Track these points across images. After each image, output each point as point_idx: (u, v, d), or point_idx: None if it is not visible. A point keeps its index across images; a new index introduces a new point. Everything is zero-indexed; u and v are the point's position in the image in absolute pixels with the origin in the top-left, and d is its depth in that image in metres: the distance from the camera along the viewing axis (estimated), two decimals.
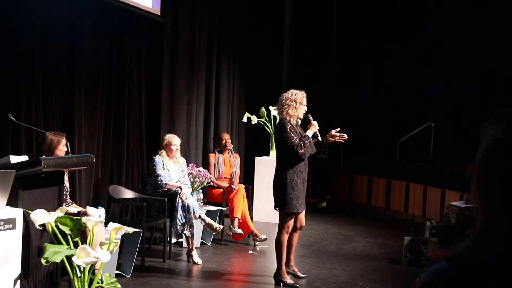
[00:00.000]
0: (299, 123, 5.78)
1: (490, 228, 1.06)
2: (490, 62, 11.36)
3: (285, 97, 5.68)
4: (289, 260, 5.96)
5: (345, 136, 5.71)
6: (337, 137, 5.75)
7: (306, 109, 5.70)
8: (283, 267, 5.73)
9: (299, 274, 6.00)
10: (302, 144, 5.44)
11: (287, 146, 5.47)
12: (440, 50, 11.92)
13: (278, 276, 5.73)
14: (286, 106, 5.63)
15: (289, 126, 5.52)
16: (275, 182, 5.68)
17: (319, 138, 5.70)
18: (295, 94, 5.66)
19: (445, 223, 7.26)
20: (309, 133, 5.60)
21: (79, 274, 4.15)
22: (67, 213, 4.39)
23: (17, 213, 3.98)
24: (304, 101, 5.66)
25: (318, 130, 5.67)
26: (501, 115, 1.11)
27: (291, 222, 5.66)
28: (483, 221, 1.08)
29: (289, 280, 5.72)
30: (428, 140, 11.61)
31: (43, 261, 3.93)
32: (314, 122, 5.65)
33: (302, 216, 5.83)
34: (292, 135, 5.46)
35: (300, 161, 5.55)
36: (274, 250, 7.27)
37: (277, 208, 5.68)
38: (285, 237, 5.68)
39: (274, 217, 9.01)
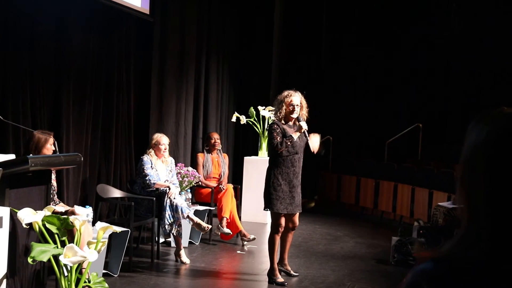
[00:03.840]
0: (291, 122, 5.81)
1: (474, 229, 1.07)
2: (478, 63, 11.43)
3: (275, 98, 5.85)
4: (282, 259, 6.05)
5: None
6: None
7: (294, 108, 5.69)
8: (274, 265, 5.82)
9: (292, 272, 6.07)
10: (282, 144, 5.54)
11: (270, 145, 5.67)
12: (428, 51, 11.96)
13: (270, 274, 5.83)
14: (274, 108, 5.86)
15: (275, 126, 5.65)
16: (265, 181, 5.78)
17: (308, 138, 5.74)
18: (281, 95, 5.79)
19: (433, 224, 7.29)
20: (295, 135, 5.63)
21: (66, 274, 4.14)
22: (54, 212, 4.37)
23: (4, 212, 3.95)
24: (289, 99, 5.70)
25: (307, 130, 5.69)
26: (483, 117, 1.12)
27: (280, 222, 5.71)
28: (467, 221, 1.09)
29: (279, 278, 5.78)
30: (416, 141, 11.66)
31: (29, 260, 3.91)
32: (302, 124, 5.67)
33: (295, 217, 5.88)
34: (275, 134, 5.60)
35: (285, 161, 5.63)
36: (262, 250, 7.31)
37: (266, 209, 5.77)
38: (275, 237, 5.76)
39: (262, 217, 9.08)
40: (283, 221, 5.71)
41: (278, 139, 5.57)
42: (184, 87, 9.21)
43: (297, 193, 5.75)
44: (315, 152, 5.84)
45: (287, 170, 5.64)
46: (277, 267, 5.92)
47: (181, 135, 9.17)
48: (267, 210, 5.75)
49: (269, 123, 8.75)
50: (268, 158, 5.87)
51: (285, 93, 5.76)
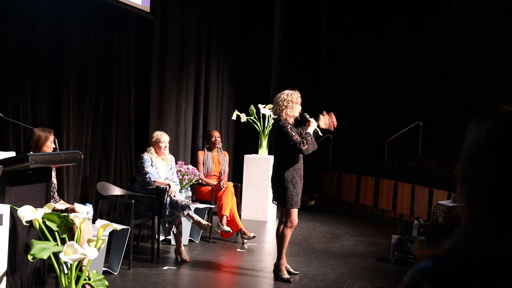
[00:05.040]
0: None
1: (475, 227, 1.07)
2: (478, 62, 11.42)
3: (282, 98, 5.77)
4: None
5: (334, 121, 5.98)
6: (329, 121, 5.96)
7: (301, 108, 5.80)
8: (282, 260, 5.84)
9: (291, 270, 6.06)
10: (305, 141, 5.58)
11: (289, 146, 5.61)
12: (428, 50, 11.96)
13: (276, 269, 5.85)
14: (283, 107, 5.74)
15: (289, 126, 5.65)
16: (276, 181, 5.78)
17: (320, 134, 5.85)
18: (291, 95, 5.76)
19: (433, 222, 7.29)
20: (310, 129, 5.74)
21: (66, 271, 4.14)
22: (54, 210, 4.37)
23: (4, 209, 3.95)
24: (300, 100, 5.78)
25: (317, 126, 5.80)
26: (484, 115, 1.12)
27: (296, 218, 5.79)
28: (468, 220, 1.09)
29: (285, 275, 5.79)
30: (416, 139, 11.66)
31: (29, 257, 3.91)
32: (312, 120, 5.78)
33: None
34: (293, 133, 5.62)
35: (298, 159, 5.70)
36: (262, 248, 7.30)
37: (275, 202, 5.85)
38: (289, 233, 5.81)
39: (262, 215, 9.09)
40: (297, 215, 5.80)
41: (298, 138, 5.60)
42: (184, 85, 9.21)
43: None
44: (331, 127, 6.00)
45: (299, 166, 5.74)
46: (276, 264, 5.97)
47: (181, 133, 9.17)
48: (285, 207, 5.74)
49: (270, 121, 8.76)
50: (278, 157, 5.83)
51: (295, 93, 5.77)
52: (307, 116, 5.84)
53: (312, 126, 5.77)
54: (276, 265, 5.87)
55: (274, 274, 5.86)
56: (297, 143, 5.55)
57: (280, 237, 5.84)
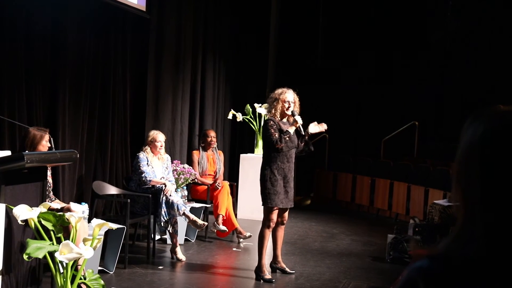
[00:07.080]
0: (285, 119, 5.84)
1: (470, 226, 1.07)
2: (473, 61, 11.44)
3: (269, 97, 5.87)
4: (276, 256, 6.05)
5: (325, 125, 5.88)
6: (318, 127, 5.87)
7: (290, 104, 5.73)
8: (263, 261, 5.80)
9: (288, 270, 6.05)
10: (280, 140, 5.58)
11: (266, 142, 5.67)
12: (424, 49, 11.97)
13: (257, 271, 5.82)
14: (268, 105, 5.86)
15: (271, 123, 5.66)
16: (260, 178, 5.77)
17: (303, 133, 5.80)
18: (275, 93, 5.82)
19: (429, 221, 7.31)
20: (291, 129, 5.69)
21: (61, 270, 4.13)
22: (50, 209, 4.36)
23: None
24: (284, 96, 5.74)
25: (301, 125, 5.75)
26: (479, 115, 1.12)
27: (273, 217, 5.73)
28: (463, 219, 1.09)
29: (266, 275, 5.77)
30: (412, 139, 11.67)
31: (25, 257, 3.90)
32: (297, 118, 5.74)
33: (286, 212, 5.93)
34: (272, 131, 5.61)
35: (280, 157, 5.65)
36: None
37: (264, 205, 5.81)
38: (267, 232, 5.76)
39: (259, 214, 9.03)
40: (275, 215, 5.75)
41: (276, 136, 5.59)
42: (180, 84, 9.20)
43: (291, 188, 5.78)
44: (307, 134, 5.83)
45: (282, 166, 5.68)
46: (272, 264, 6.01)
47: (177, 132, 9.16)
48: (262, 204, 5.73)
49: (264, 120, 8.77)
50: (263, 153, 5.83)
51: (279, 90, 5.81)
52: (295, 114, 5.75)
53: (295, 125, 5.70)
54: (257, 267, 5.82)
55: (255, 275, 5.82)
56: (273, 140, 5.57)
57: (258, 237, 5.81)
